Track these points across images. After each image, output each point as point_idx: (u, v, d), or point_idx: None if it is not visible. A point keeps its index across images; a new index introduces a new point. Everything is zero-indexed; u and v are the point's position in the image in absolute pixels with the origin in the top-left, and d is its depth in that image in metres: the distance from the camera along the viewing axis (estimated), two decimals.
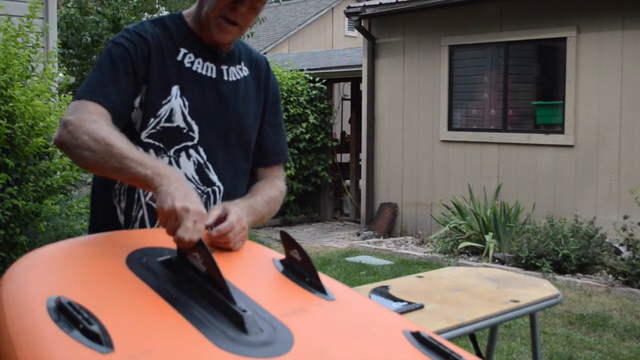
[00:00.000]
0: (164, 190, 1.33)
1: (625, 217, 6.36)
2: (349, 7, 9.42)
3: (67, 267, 1.29)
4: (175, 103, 1.67)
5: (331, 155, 10.60)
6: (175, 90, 1.68)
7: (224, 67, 1.76)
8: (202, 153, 1.70)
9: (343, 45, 16.30)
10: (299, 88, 10.09)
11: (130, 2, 13.35)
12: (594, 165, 7.30)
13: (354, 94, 10.94)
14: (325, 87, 10.36)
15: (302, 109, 10.01)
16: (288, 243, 1.39)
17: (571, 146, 7.44)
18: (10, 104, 4.18)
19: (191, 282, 1.21)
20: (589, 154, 7.33)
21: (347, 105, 11.63)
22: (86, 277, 1.24)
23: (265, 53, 15.89)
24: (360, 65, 9.52)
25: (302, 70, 10.37)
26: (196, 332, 1.07)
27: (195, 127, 1.69)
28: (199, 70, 1.72)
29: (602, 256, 6.43)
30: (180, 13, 1.78)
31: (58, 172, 4.54)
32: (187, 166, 1.69)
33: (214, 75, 1.73)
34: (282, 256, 1.42)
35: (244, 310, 1.11)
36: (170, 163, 1.66)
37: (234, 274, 1.32)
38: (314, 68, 10.54)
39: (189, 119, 1.68)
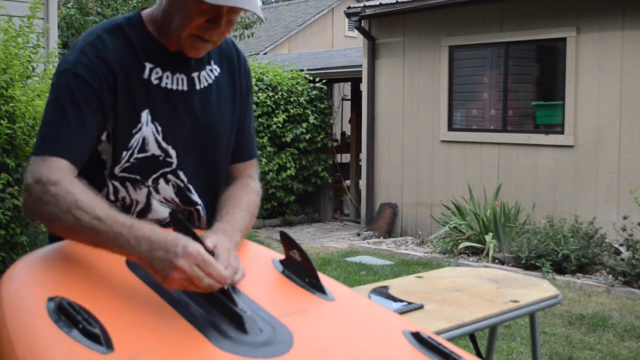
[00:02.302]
0: (155, 260, 1.21)
1: (625, 218, 6.36)
2: (349, 8, 9.41)
3: (67, 268, 1.29)
4: (147, 130, 1.53)
5: (331, 156, 10.60)
6: (145, 115, 1.52)
7: (195, 75, 1.59)
8: (182, 176, 1.59)
9: (343, 45, 16.29)
10: (299, 88, 10.09)
11: (130, 2, 13.35)
12: (593, 165, 7.30)
13: (354, 94, 10.93)
14: (325, 88, 10.35)
15: (302, 109, 10.01)
16: (288, 243, 1.39)
17: (571, 146, 7.44)
18: (11, 104, 4.18)
19: None
20: (589, 154, 7.33)
21: (347, 105, 11.63)
22: (86, 277, 1.24)
23: (265, 53, 15.89)
24: (360, 66, 9.52)
25: (302, 70, 10.36)
26: (196, 333, 1.07)
27: (172, 152, 1.56)
28: (169, 86, 1.55)
29: (602, 256, 6.42)
30: (139, 15, 1.58)
31: None
32: (167, 191, 1.58)
33: (185, 88, 1.57)
34: (282, 256, 1.42)
35: (244, 311, 1.11)
36: (149, 192, 1.56)
37: None
38: (314, 68, 10.53)
39: (164, 144, 1.55)
